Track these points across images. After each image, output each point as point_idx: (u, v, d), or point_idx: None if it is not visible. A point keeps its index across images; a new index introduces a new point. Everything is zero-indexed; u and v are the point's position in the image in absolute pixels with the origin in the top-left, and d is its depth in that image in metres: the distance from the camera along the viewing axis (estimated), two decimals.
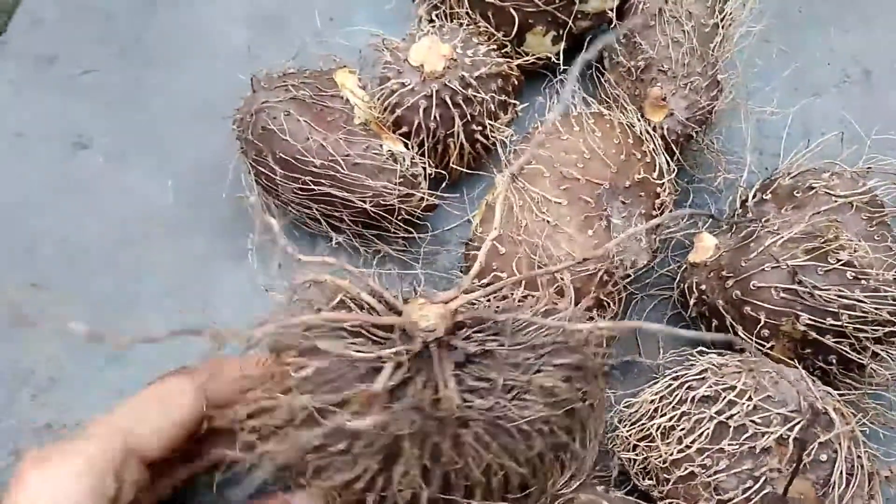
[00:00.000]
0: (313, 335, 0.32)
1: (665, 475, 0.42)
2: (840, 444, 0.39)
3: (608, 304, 0.48)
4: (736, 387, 0.41)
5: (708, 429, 0.41)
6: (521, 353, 0.34)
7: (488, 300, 0.38)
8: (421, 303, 0.32)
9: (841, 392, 0.44)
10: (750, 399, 0.41)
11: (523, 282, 0.40)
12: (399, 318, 0.32)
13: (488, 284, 0.36)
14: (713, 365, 0.44)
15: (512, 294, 0.40)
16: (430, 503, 0.32)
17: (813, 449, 0.39)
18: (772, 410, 0.40)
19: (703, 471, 0.40)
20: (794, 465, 0.37)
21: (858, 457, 0.40)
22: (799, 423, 0.39)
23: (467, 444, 0.32)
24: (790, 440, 0.39)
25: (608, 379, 0.43)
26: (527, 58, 0.55)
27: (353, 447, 0.31)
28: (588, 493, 0.41)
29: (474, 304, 0.36)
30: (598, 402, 0.39)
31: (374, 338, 0.33)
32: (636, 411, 0.45)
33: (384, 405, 0.30)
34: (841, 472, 0.39)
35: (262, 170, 0.49)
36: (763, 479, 0.39)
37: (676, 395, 0.44)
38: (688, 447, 0.41)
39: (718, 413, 0.41)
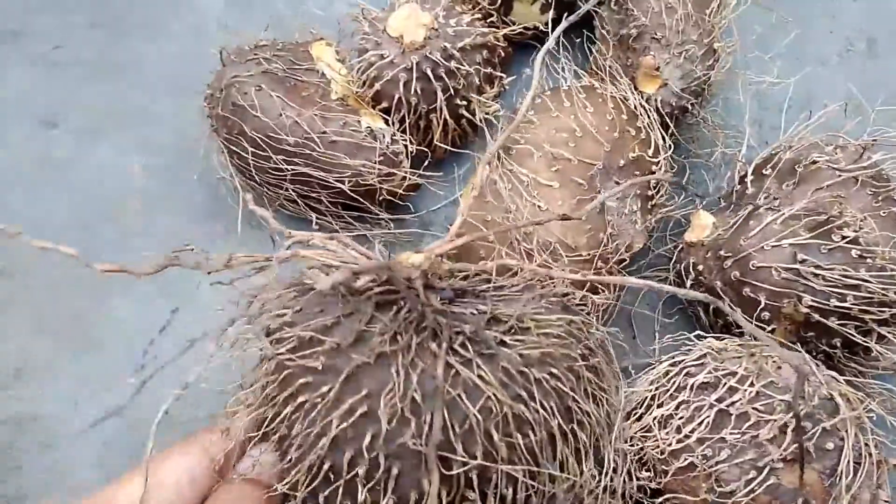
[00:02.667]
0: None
1: (663, 466, 0.40)
2: (847, 431, 0.37)
3: (603, 290, 0.45)
4: (737, 372, 0.39)
5: (708, 417, 0.39)
6: (510, 299, 0.34)
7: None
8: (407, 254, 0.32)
9: (846, 377, 0.42)
10: (752, 385, 0.39)
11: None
12: (387, 262, 0.31)
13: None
14: (712, 349, 0.42)
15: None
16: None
17: (816, 434, 0.37)
18: (775, 397, 0.38)
19: (704, 461, 0.38)
20: (798, 444, 0.35)
21: (866, 444, 0.38)
22: (802, 408, 0.37)
23: (459, 372, 0.30)
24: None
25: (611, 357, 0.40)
26: (514, 27, 0.52)
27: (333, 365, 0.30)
28: None
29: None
30: (605, 376, 0.37)
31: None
32: (632, 400, 0.43)
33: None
34: (848, 461, 0.37)
35: (235, 149, 0.47)
36: (767, 469, 0.37)
37: (674, 382, 0.42)
38: (687, 437, 0.39)
39: (719, 400, 0.39)
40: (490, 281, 0.36)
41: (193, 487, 0.33)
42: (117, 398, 0.48)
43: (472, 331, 0.31)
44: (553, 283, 0.39)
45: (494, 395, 0.30)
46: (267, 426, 0.32)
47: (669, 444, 0.39)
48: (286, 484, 0.31)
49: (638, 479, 0.41)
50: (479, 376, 0.30)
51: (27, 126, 0.57)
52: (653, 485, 0.40)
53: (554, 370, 0.32)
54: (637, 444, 0.41)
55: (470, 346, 0.31)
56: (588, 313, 0.45)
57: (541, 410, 0.31)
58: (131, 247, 0.53)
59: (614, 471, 0.37)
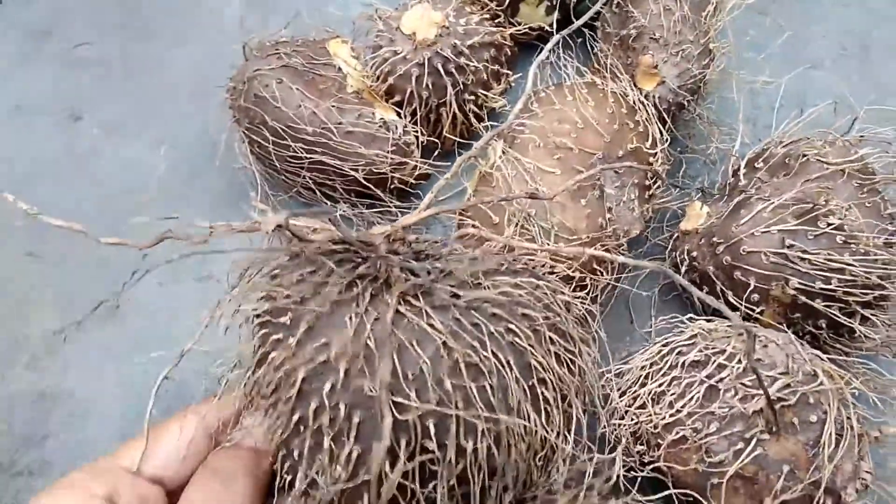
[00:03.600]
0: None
1: (657, 440, 0.42)
2: (829, 404, 0.39)
3: (601, 272, 0.48)
4: (725, 350, 0.42)
5: (698, 392, 0.41)
6: (471, 260, 0.35)
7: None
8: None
9: (830, 356, 0.44)
10: (739, 362, 0.41)
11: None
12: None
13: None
14: (703, 330, 0.44)
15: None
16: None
17: (800, 407, 0.39)
18: (761, 373, 0.40)
19: (694, 434, 0.40)
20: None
21: (848, 418, 0.40)
22: (787, 384, 0.40)
23: (410, 320, 0.31)
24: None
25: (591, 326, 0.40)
26: (520, 28, 0.55)
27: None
28: None
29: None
30: (575, 341, 0.37)
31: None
32: (627, 379, 0.45)
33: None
34: (830, 434, 0.39)
35: (255, 138, 0.49)
36: (754, 440, 0.39)
37: (667, 361, 0.44)
38: (678, 411, 0.41)
39: (708, 377, 0.41)
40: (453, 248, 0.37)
41: (190, 452, 0.36)
42: (139, 373, 0.51)
43: (424, 282, 0.32)
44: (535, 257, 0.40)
45: (444, 342, 0.31)
46: (252, 389, 0.34)
47: (663, 419, 0.41)
48: (268, 439, 0.33)
49: (631, 453, 0.43)
50: (430, 324, 0.31)
51: (54, 120, 0.61)
52: (647, 458, 0.43)
53: (511, 325, 0.33)
54: (632, 420, 0.43)
55: (422, 297, 0.32)
56: (589, 294, 0.47)
57: (492, 359, 0.32)
58: (155, 232, 0.55)
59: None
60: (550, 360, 0.34)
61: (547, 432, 0.34)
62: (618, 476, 0.42)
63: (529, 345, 0.33)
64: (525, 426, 0.33)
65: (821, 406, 0.40)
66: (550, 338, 0.35)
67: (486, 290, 0.33)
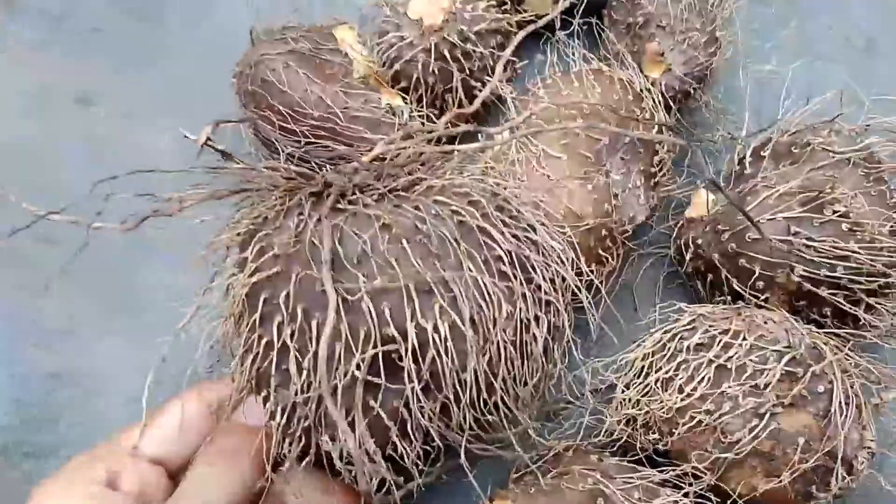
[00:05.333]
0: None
1: (669, 427, 0.42)
2: (834, 374, 0.40)
3: (606, 258, 0.48)
4: (729, 329, 0.42)
5: (708, 373, 0.41)
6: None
7: None
8: None
9: (835, 343, 0.44)
10: (745, 339, 0.41)
11: None
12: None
13: None
14: (701, 314, 0.45)
15: None
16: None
17: (808, 379, 0.40)
18: (767, 348, 0.41)
19: (708, 416, 0.40)
20: None
21: (851, 386, 0.41)
22: (793, 357, 0.40)
23: (348, 210, 0.32)
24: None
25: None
26: (526, 15, 0.55)
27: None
28: (580, 462, 0.42)
29: None
30: (532, 227, 0.35)
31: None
32: (629, 372, 0.46)
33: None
34: (840, 401, 0.39)
35: (262, 123, 0.50)
36: (767, 415, 0.39)
37: (669, 348, 0.44)
38: (689, 395, 0.41)
39: (716, 357, 0.41)
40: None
41: (191, 431, 0.37)
42: (152, 356, 0.51)
43: (358, 181, 0.32)
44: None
45: (384, 224, 0.31)
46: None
47: (674, 404, 0.41)
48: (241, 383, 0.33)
49: (643, 442, 0.43)
50: (367, 212, 0.31)
51: (66, 104, 0.60)
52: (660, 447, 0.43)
53: (454, 207, 0.32)
54: (643, 408, 0.43)
55: (359, 193, 0.32)
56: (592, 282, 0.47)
57: (434, 233, 0.31)
58: (164, 219, 0.56)
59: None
60: (505, 237, 0.33)
61: (511, 306, 0.32)
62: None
63: (476, 223, 0.32)
64: (487, 305, 0.31)
65: (825, 376, 0.40)
66: (503, 220, 0.34)
67: (429, 192, 0.33)
